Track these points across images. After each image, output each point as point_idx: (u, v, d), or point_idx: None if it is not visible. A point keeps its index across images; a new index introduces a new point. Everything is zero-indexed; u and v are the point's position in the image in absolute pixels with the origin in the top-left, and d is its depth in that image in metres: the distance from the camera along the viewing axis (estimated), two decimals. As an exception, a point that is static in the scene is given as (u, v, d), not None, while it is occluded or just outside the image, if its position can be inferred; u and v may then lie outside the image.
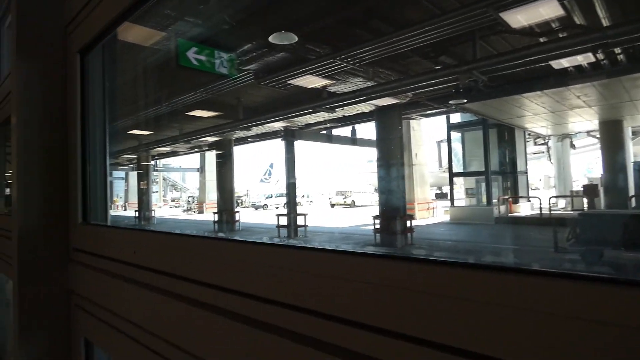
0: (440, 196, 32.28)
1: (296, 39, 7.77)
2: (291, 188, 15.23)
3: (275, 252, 1.00)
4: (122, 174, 33.83)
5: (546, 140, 20.64)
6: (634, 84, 9.89)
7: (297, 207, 16.40)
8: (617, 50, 8.02)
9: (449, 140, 18.71)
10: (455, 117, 18.82)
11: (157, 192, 40.53)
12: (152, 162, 25.73)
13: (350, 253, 0.83)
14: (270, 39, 7.75)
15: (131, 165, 26.67)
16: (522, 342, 0.60)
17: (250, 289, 1.02)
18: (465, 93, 11.26)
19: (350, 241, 12.18)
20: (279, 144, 16.01)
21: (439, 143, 30.42)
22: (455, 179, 22.39)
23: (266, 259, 1.01)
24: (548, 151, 20.97)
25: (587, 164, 25.13)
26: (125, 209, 34.80)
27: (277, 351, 0.91)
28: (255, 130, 16.55)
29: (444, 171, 27.01)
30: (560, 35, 7.42)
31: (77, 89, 1.88)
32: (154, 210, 23.47)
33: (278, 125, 15.07)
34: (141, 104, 12.64)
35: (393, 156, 11.87)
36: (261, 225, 18.18)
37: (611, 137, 13.69)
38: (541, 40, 7.68)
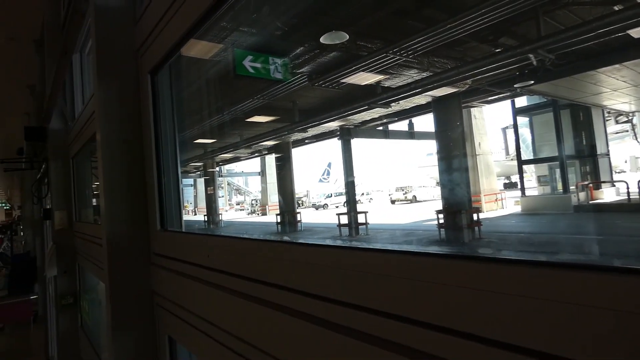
0: (509, 186, 30.45)
1: (347, 37, 7.76)
2: (350, 186, 15.22)
3: (335, 254, 1.02)
4: (190, 180, 36.03)
5: (630, 118, 18.63)
6: None
7: (357, 205, 16.35)
8: None
9: (515, 126, 17.58)
10: (521, 101, 17.67)
11: (222, 196, 42.61)
12: (217, 169, 27.09)
13: (421, 254, 0.83)
14: (322, 39, 7.81)
15: (198, 172, 28.29)
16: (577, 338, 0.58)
17: (313, 288, 1.05)
18: (532, 74, 10.51)
19: (413, 237, 11.89)
20: (336, 144, 16.05)
21: (504, 130, 28.75)
22: (525, 167, 20.96)
23: (325, 260, 1.03)
24: (633, 129, 18.92)
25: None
26: (195, 214, 37.03)
27: (345, 351, 0.93)
28: (312, 132, 16.79)
29: (512, 159, 25.48)
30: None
31: (149, 107, 2.05)
32: (221, 214, 24.69)
33: (334, 124, 15.15)
34: (204, 114, 13.36)
35: (454, 147, 11.40)
36: (322, 225, 18.39)
37: None
38: (616, 8, 6.97)
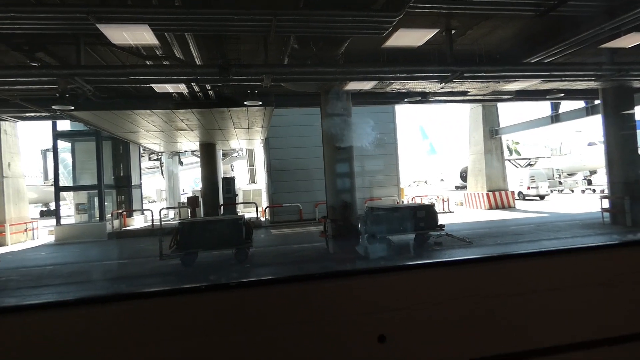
0: (47, 213, 27.80)
1: None
2: None
3: None
4: None
5: (159, 156, 22.25)
6: (221, 116, 12.39)
7: None
8: (208, 86, 9.80)
9: (55, 150, 16.44)
10: (65, 125, 16.85)
11: None
12: None
13: None
14: None
15: None
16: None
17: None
18: (73, 100, 10.29)
19: None
20: None
21: (44, 152, 26.15)
22: (64, 194, 19.85)
23: None
24: (161, 166, 22.68)
25: (195, 179, 29.15)
26: None
27: None
28: None
29: (51, 184, 23.56)
30: (164, 62, 8.24)
31: None
32: None
33: None
34: None
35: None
36: None
37: (208, 157, 16.49)
38: (148, 62, 8.22)
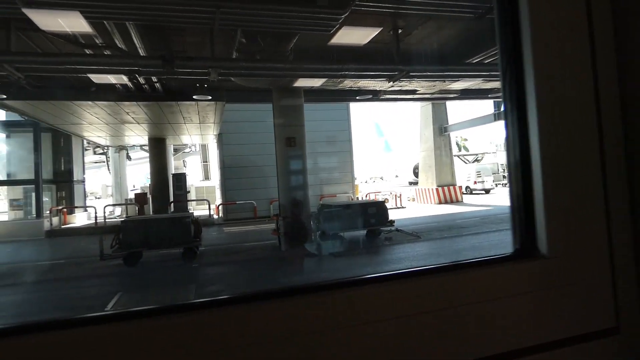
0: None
1: None
2: None
3: None
4: None
5: (105, 150, 21.13)
6: (170, 110, 11.97)
7: None
8: (154, 78, 9.42)
9: (-14, 142, 15.22)
10: (1, 115, 15.62)
11: None
12: None
13: None
14: None
15: None
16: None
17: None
18: (5, 88, 9.57)
19: None
20: None
21: (-24, 144, 24.06)
22: (-2, 189, 18.36)
23: None
24: (107, 161, 21.55)
25: (146, 174, 27.98)
26: None
27: None
28: None
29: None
30: (105, 52, 7.82)
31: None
32: None
33: None
34: None
35: None
36: None
37: (157, 152, 15.90)
38: (87, 52, 7.77)
